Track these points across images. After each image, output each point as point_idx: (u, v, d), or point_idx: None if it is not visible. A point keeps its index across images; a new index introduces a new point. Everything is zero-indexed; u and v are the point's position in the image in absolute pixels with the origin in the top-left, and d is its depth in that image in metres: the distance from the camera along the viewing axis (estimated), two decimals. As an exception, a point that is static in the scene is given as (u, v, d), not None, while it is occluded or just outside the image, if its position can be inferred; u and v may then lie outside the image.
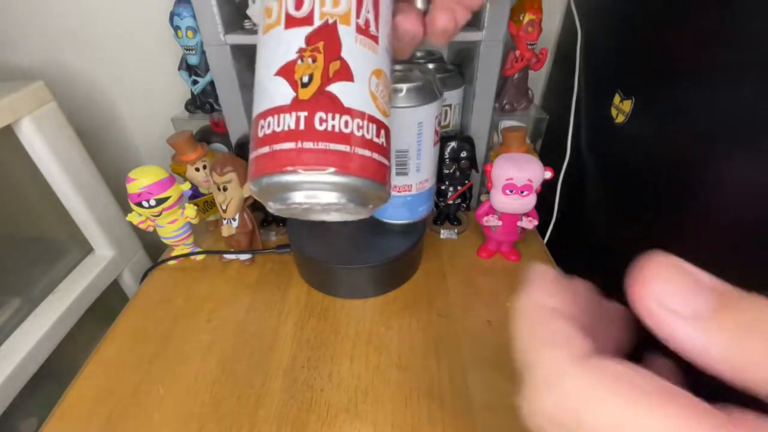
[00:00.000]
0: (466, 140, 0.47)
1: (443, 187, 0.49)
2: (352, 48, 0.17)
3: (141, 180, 0.40)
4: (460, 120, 0.52)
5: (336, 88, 0.17)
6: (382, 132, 0.18)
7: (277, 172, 0.17)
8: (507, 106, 0.53)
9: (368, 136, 0.17)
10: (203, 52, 0.47)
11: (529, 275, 0.13)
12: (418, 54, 0.57)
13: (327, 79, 0.17)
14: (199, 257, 0.49)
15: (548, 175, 0.41)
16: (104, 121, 0.69)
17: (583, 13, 0.50)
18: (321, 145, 0.16)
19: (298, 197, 0.17)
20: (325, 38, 0.17)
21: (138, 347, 0.39)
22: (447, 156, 0.46)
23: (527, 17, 0.47)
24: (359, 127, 0.17)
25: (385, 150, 0.18)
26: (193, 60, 0.51)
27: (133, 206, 0.42)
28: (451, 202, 0.50)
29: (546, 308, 0.12)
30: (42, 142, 0.49)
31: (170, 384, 0.36)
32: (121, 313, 0.43)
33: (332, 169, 0.16)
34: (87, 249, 0.59)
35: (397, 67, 0.39)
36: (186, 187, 0.45)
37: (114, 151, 0.71)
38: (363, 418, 0.32)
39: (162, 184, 0.41)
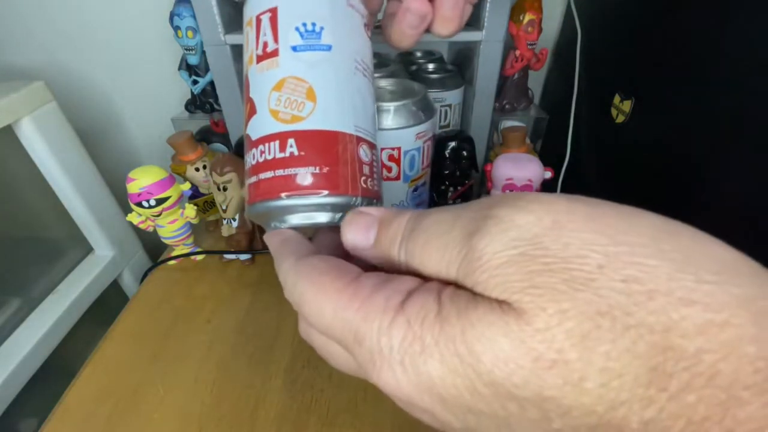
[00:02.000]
0: (466, 140, 0.46)
1: (443, 187, 0.49)
2: (255, 81, 0.19)
3: (141, 180, 0.40)
4: (460, 120, 0.52)
5: (249, 128, 0.18)
6: (289, 142, 0.17)
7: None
8: (507, 106, 0.53)
9: (269, 156, 0.17)
10: (203, 52, 0.47)
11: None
12: (418, 54, 0.57)
13: (246, 125, 0.19)
14: (199, 257, 0.49)
15: (548, 175, 0.41)
16: (104, 121, 0.69)
17: (583, 14, 0.50)
18: (246, 182, 0.19)
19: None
20: (245, 89, 0.19)
21: (138, 347, 0.39)
22: (447, 156, 0.46)
23: (527, 17, 0.47)
24: (261, 153, 0.18)
25: (292, 159, 0.17)
26: (193, 60, 0.51)
27: (133, 206, 0.42)
28: (451, 202, 0.50)
29: (283, 237, 0.17)
30: (42, 142, 0.49)
31: (170, 384, 0.36)
32: (121, 313, 0.43)
33: (255, 201, 0.18)
34: (87, 249, 0.59)
35: (383, 83, 0.37)
36: (186, 187, 0.45)
37: (114, 151, 0.71)
38: (363, 419, 0.32)
39: (162, 184, 0.41)
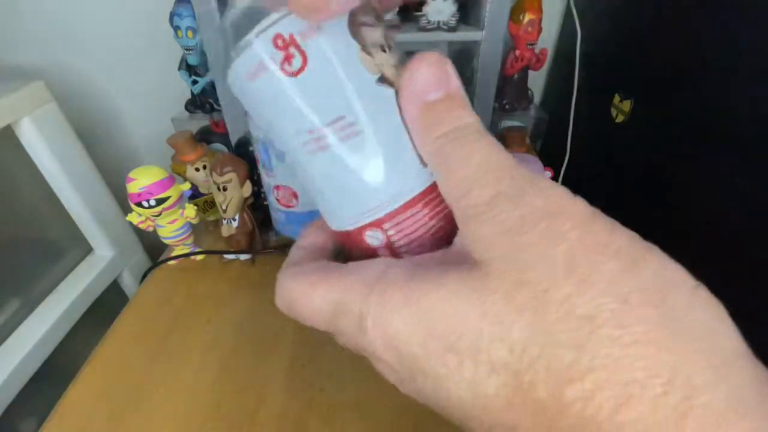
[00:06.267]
0: (466, 140, 0.46)
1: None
2: None
3: (141, 180, 0.40)
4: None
5: None
6: None
7: None
8: (507, 106, 0.53)
9: None
10: (203, 52, 0.47)
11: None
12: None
13: None
14: (199, 257, 0.49)
15: (548, 175, 0.41)
16: (104, 121, 0.68)
17: (582, 14, 0.50)
18: None
19: None
20: None
21: (138, 347, 0.39)
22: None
23: (527, 17, 0.47)
24: None
25: None
26: (193, 60, 0.51)
27: (133, 206, 0.42)
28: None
29: (297, 248, 0.18)
30: (42, 142, 0.49)
31: (170, 384, 0.35)
32: (121, 313, 0.43)
33: None
34: (87, 249, 0.59)
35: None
36: (186, 187, 0.45)
37: (114, 151, 0.71)
38: (364, 418, 0.32)
39: (162, 184, 0.41)
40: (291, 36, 0.12)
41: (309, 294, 0.15)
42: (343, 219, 0.15)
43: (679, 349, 0.09)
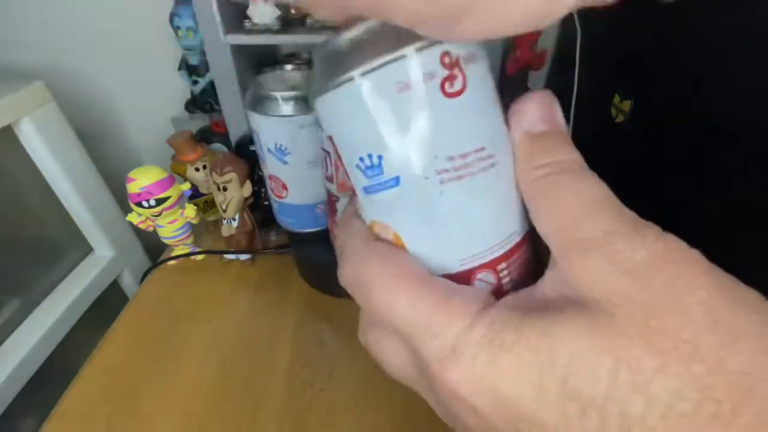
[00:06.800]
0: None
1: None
2: (363, 208, 0.16)
3: (141, 180, 0.40)
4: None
5: None
6: None
7: None
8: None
9: None
10: (203, 52, 0.47)
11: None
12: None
13: None
14: (199, 257, 0.49)
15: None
16: (104, 121, 0.69)
17: (582, 14, 0.50)
18: None
19: None
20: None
21: (138, 347, 0.39)
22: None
23: (527, 17, 0.47)
24: None
25: None
26: (193, 60, 0.51)
27: (133, 206, 0.42)
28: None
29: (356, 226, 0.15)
30: (42, 142, 0.49)
31: (170, 384, 0.36)
32: (121, 313, 0.43)
33: None
34: (87, 249, 0.59)
35: (289, 67, 0.40)
36: (186, 187, 0.45)
37: (114, 151, 0.71)
38: (363, 418, 0.32)
39: (162, 184, 0.41)
40: (458, 58, 0.12)
41: (392, 287, 0.13)
42: (454, 259, 0.14)
43: None
